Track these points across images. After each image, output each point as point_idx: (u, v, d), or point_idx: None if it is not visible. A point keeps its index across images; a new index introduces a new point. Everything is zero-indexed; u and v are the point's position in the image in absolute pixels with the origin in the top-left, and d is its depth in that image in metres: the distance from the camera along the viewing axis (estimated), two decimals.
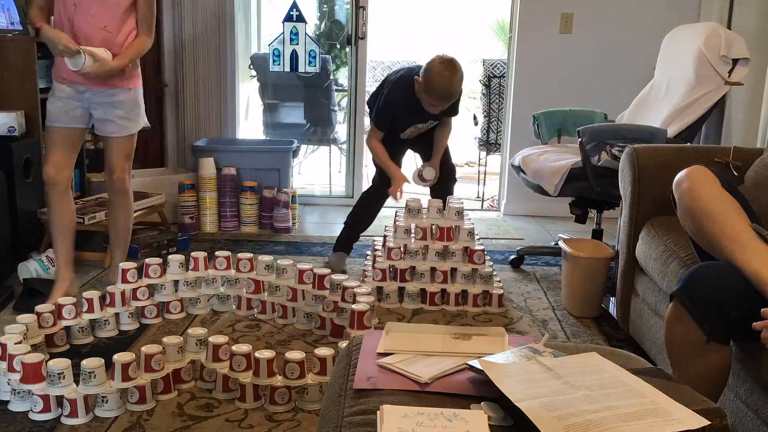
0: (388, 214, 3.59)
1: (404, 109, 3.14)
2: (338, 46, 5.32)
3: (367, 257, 3.24)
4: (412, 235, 2.93)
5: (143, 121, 2.86)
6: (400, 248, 2.89)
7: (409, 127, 3.22)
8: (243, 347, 2.08)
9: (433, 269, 2.87)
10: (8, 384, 2.04)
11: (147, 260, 2.64)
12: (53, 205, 2.73)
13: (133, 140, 2.86)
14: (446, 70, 2.97)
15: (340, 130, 5.17)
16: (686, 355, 1.59)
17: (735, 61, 3.18)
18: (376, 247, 3.16)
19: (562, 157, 3.17)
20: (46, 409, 1.98)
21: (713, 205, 1.64)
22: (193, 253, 2.72)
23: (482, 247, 2.95)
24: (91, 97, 2.72)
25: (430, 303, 2.82)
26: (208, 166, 3.91)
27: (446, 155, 3.32)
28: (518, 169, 3.48)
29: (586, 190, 2.99)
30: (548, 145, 3.62)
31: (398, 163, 3.32)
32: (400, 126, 3.23)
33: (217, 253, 2.75)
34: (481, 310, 2.82)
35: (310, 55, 4.62)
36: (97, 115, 2.75)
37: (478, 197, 5.14)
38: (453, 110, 3.19)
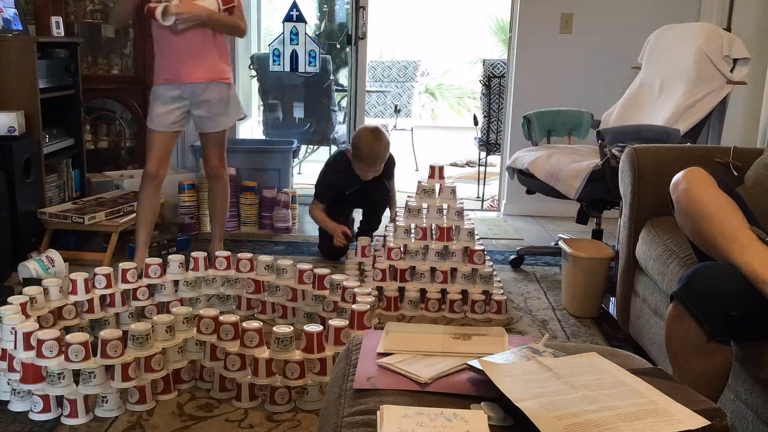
0: (387, 213, 3.59)
1: (345, 181, 3.43)
2: (338, 46, 5.32)
3: None
4: (412, 235, 2.93)
5: (239, 114, 3.16)
6: (400, 248, 2.89)
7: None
8: (233, 346, 2.08)
9: (433, 269, 2.86)
10: (8, 384, 2.04)
11: (147, 260, 2.64)
12: (148, 195, 3.02)
13: (227, 133, 3.16)
14: (371, 136, 3.30)
15: (340, 130, 5.17)
16: (686, 356, 1.59)
17: (735, 61, 3.18)
18: (376, 248, 3.16)
19: (573, 158, 3.16)
20: (46, 409, 1.98)
21: (711, 206, 1.64)
22: (193, 253, 2.72)
23: (482, 247, 2.94)
24: (190, 97, 2.94)
25: (430, 308, 2.81)
26: None
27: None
28: (514, 171, 3.48)
29: (604, 192, 2.96)
30: (541, 146, 3.61)
31: (346, 223, 3.52)
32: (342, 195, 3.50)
33: (217, 253, 2.75)
34: (483, 316, 2.81)
35: (310, 55, 4.62)
36: (197, 113, 3.01)
37: (478, 197, 5.14)
38: (388, 174, 3.53)
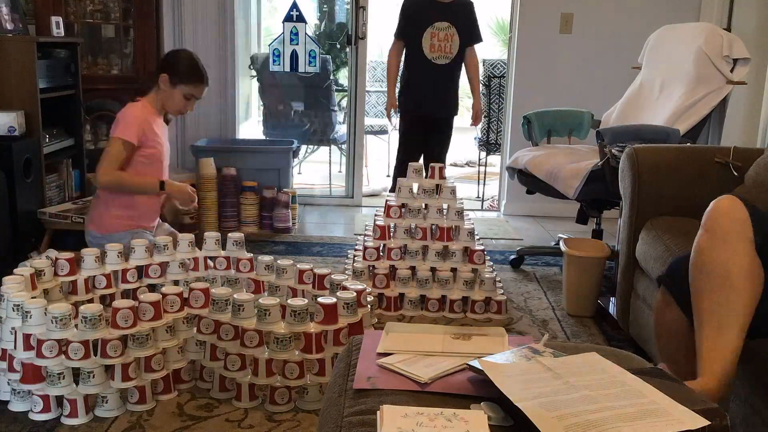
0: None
1: (422, 5, 3.57)
2: (338, 46, 5.32)
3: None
4: (413, 235, 2.93)
5: None
6: (400, 248, 2.89)
7: (428, 28, 3.55)
8: (233, 346, 2.08)
9: (433, 269, 2.86)
10: (8, 384, 2.04)
11: (147, 260, 2.64)
12: None
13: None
14: None
15: (340, 130, 5.17)
16: (673, 340, 1.63)
17: (735, 61, 3.19)
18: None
19: (573, 158, 3.16)
20: (46, 409, 1.98)
21: (718, 275, 1.48)
22: None
23: (482, 248, 2.94)
24: None
25: (430, 309, 2.81)
26: (208, 166, 3.91)
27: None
28: (514, 171, 3.48)
29: (603, 192, 2.95)
30: (541, 146, 3.61)
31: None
32: (418, 26, 3.56)
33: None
34: (483, 316, 2.81)
35: (310, 55, 4.62)
36: None
37: (478, 197, 5.13)
38: (475, 35, 3.80)
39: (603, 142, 2.89)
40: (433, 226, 2.93)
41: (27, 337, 1.97)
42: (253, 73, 5.12)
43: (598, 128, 3.67)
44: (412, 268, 2.87)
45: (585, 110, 3.80)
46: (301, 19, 4.58)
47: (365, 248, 2.91)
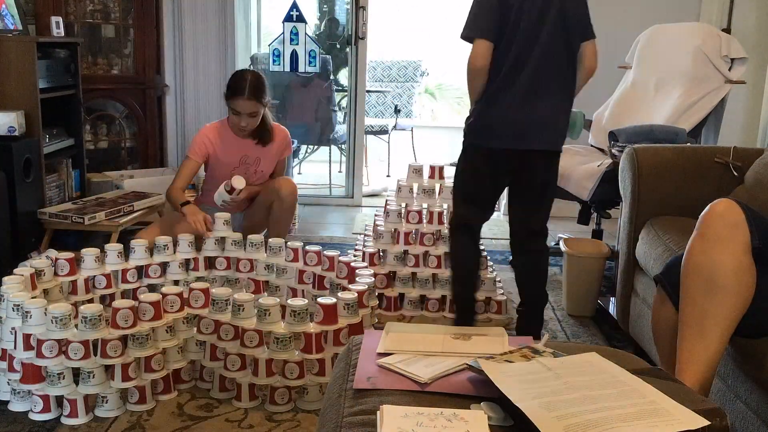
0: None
1: None
2: (338, 46, 5.32)
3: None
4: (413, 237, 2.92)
5: None
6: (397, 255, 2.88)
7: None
8: (233, 346, 2.08)
9: (434, 274, 2.85)
10: (8, 384, 2.04)
11: (147, 260, 2.64)
12: None
13: None
14: None
15: (340, 130, 5.17)
16: (669, 338, 1.63)
17: (732, 61, 3.19)
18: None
19: (579, 159, 3.15)
20: (46, 409, 1.98)
21: (712, 282, 1.48)
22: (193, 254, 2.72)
23: (482, 248, 2.93)
24: None
25: (430, 309, 2.81)
26: None
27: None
28: None
29: (615, 192, 2.94)
30: None
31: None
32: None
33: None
34: (483, 316, 2.81)
35: (310, 55, 4.62)
36: None
37: None
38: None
39: (616, 142, 2.89)
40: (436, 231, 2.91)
41: (27, 337, 1.97)
42: None
43: (590, 128, 3.68)
44: (414, 274, 2.86)
45: (577, 110, 3.79)
46: (301, 19, 4.57)
47: (364, 254, 2.88)
